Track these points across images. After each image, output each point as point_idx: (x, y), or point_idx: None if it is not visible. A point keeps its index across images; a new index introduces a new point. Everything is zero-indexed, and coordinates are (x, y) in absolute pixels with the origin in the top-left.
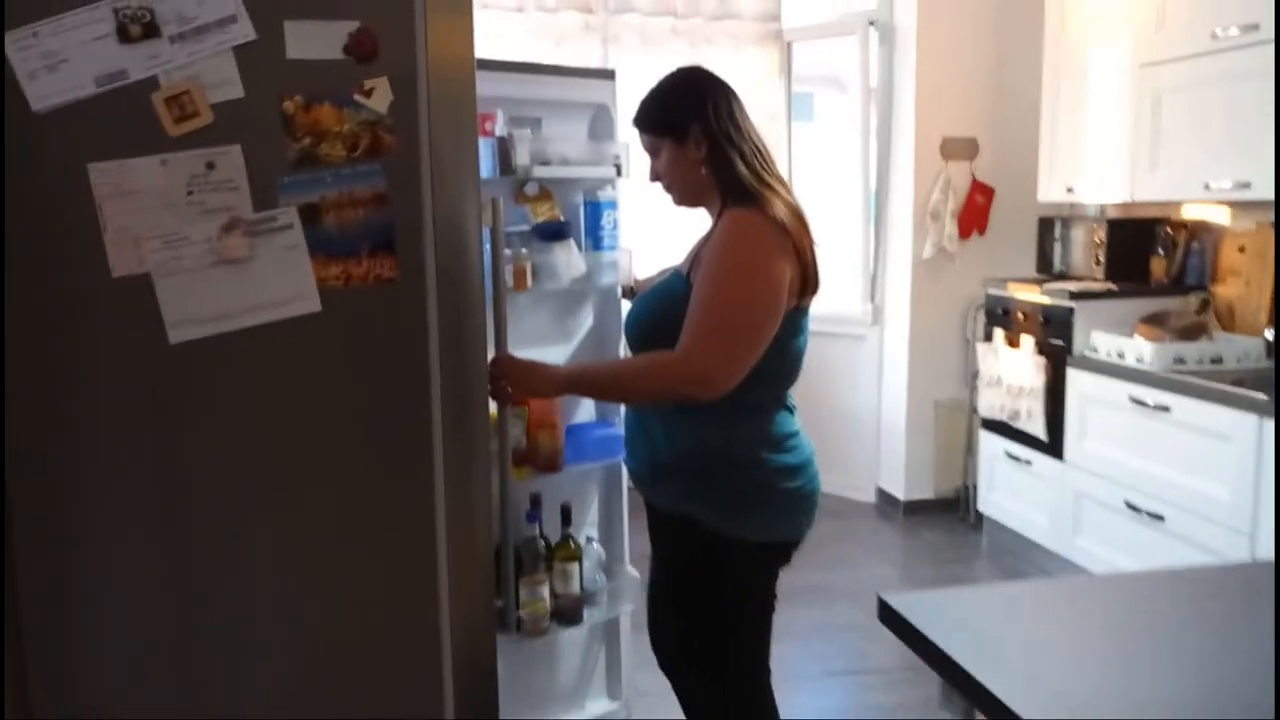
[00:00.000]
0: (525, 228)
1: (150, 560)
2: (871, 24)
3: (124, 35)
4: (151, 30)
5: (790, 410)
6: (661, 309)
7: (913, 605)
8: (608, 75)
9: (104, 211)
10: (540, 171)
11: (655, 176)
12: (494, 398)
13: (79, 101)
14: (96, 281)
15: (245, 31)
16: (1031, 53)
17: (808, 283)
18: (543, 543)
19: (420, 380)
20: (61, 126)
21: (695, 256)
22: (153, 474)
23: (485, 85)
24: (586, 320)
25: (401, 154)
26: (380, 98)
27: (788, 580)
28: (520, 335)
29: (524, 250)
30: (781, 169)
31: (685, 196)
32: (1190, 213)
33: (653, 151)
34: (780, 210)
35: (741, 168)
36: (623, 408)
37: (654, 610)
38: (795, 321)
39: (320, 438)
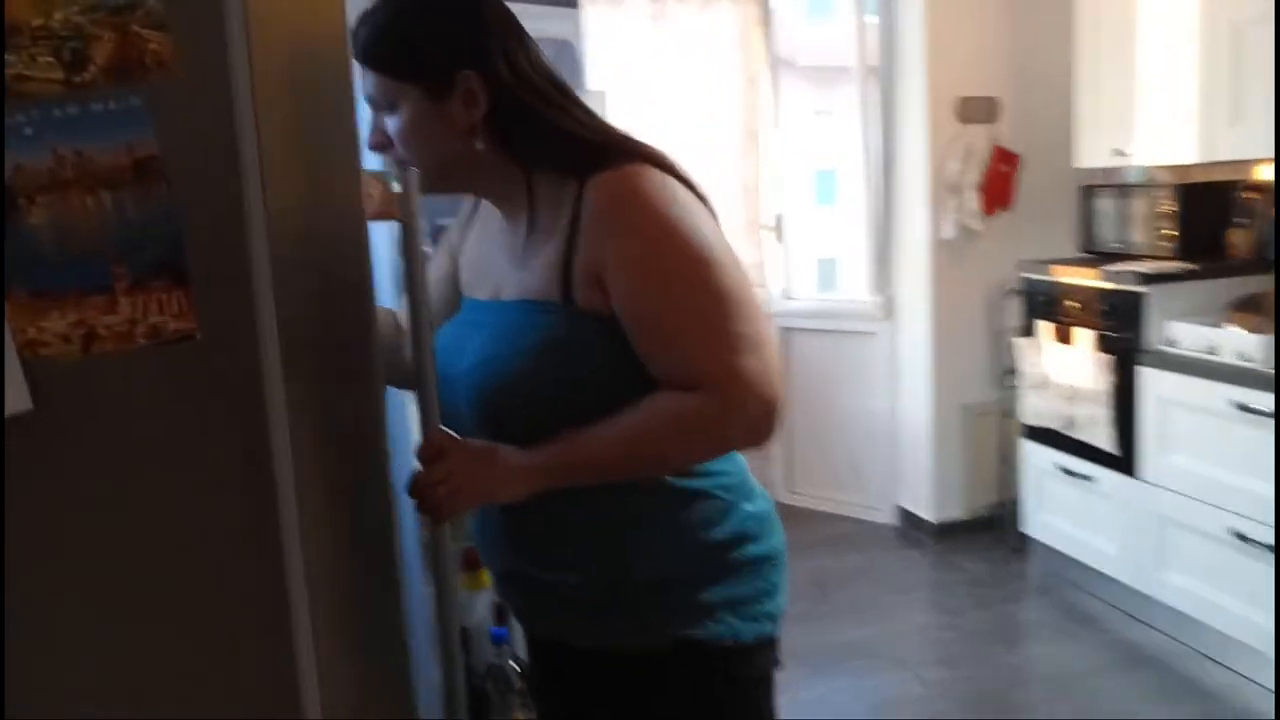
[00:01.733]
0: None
1: None
2: None
3: None
4: None
5: None
6: (550, 359)
7: None
8: (569, 1)
9: None
10: None
11: (379, 145)
12: (424, 511)
13: None
14: None
15: None
16: None
17: None
18: (516, 669)
19: (260, 515)
20: None
21: (566, 263)
22: None
23: None
24: None
25: (190, 74)
26: None
27: (812, 640)
28: None
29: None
30: (767, 139)
31: (438, 181)
32: (1268, 174)
33: (383, 104)
34: (667, 161)
35: (561, 123)
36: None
37: None
38: None
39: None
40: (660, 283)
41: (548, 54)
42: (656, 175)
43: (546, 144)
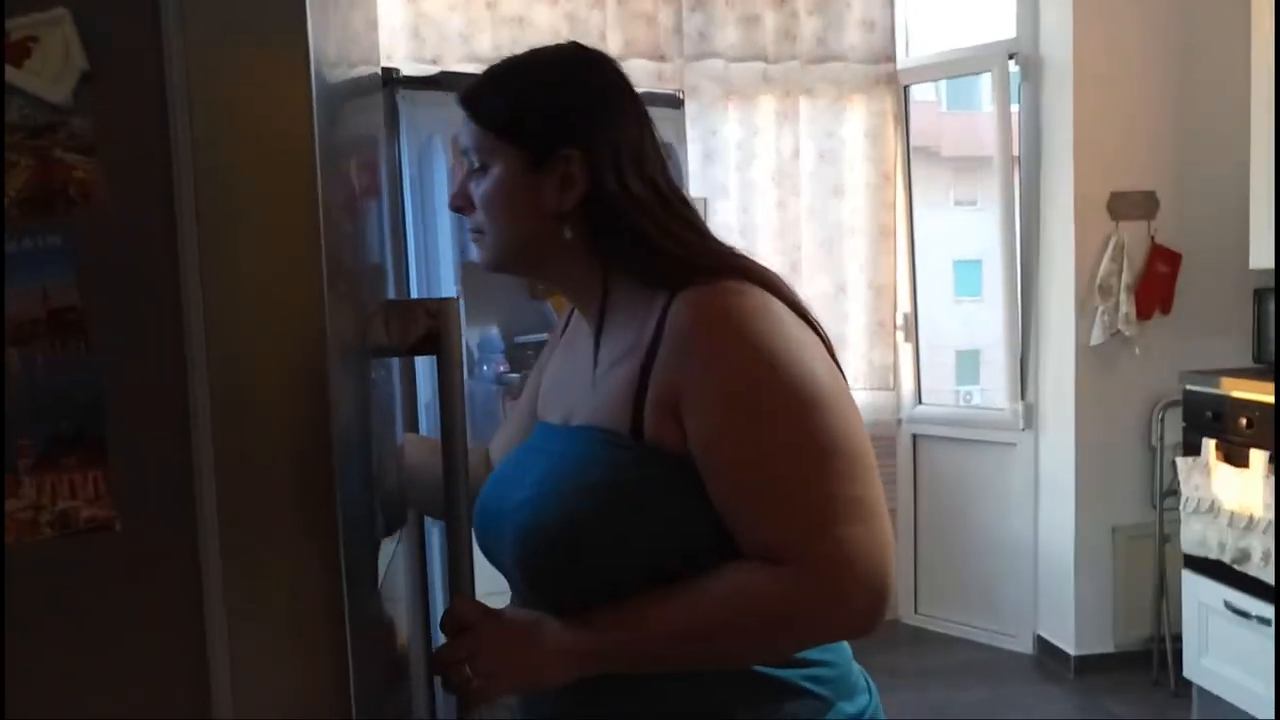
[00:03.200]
0: (544, 336)
1: None
2: (1011, 57)
3: None
4: None
5: None
6: (605, 505)
7: None
8: (672, 102)
9: None
10: None
11: (462, 204)
12: (452, 691)
13: None
14: None
15: None
16: (1231, 77)
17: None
18: None
19: None
20: None
21: (640, 386)
22: None
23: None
24: None
25: (122, 207)
26: (49, 67)
27: None
28: None
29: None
30: (901, 242)
31: (510, 261)
32: None
33: (476, 161)
34: (774, 280)
35: (663, 234)
36: None
37: None
38: None
39: None
40: (749, 423)
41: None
42: (758, 295)
43: (634, 250)
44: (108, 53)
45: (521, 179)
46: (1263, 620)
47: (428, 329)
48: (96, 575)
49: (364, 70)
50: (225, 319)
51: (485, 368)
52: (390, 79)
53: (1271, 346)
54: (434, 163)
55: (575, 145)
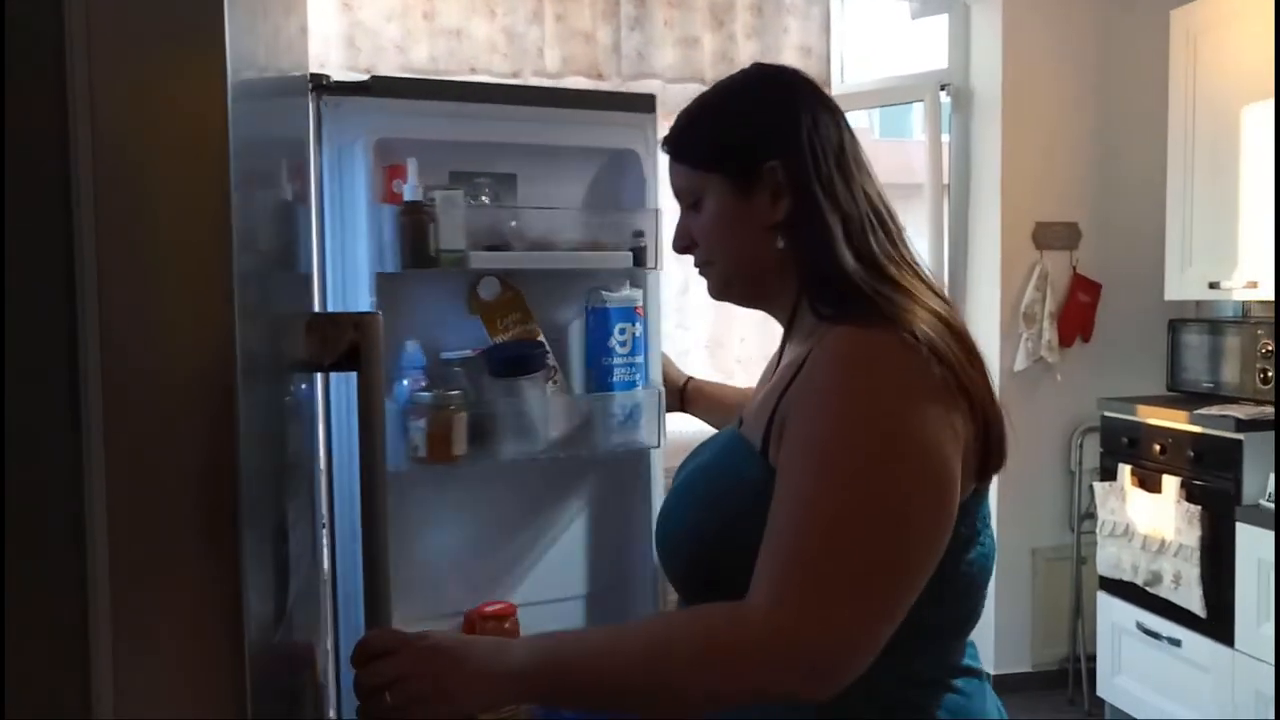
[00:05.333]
0: (468, 353)
1: None
2: (943, 88)
3: None
4: None
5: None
6: (726, 503)
7: None
8: (641, 104)
9: None
10: (499, 261)
11: (686, 244)
12: None
13: None
14: None
15: None
16: (1150, 116)
17: (989, 452)
18: None
19: None
20: None
21: (775, 408)
22: None
23: (420, 125)
24: (580, 506)
25: (10, 219)
26: None
27: None
28: (462, 535)
29: (455, 393)
30: None
31: (737, 283)
32: None
33: (688, 199)
34: (933, 328)
35: (844, 252)
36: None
37: None
38: (968, 518)
39: None
40: (803, 457)
41: (588, 171)
42: (905, 356)
43: (818, 266)
44: (1, 54)
45: (734, 203)
46: (1172, 641)
47: (351, 344)
48: None
49: (293, 75)
50: (123, 329)
51: (405, 383)
52: (319, 85)
53: (1185, 375)
54: (355, 169)
55: (775, 156)
